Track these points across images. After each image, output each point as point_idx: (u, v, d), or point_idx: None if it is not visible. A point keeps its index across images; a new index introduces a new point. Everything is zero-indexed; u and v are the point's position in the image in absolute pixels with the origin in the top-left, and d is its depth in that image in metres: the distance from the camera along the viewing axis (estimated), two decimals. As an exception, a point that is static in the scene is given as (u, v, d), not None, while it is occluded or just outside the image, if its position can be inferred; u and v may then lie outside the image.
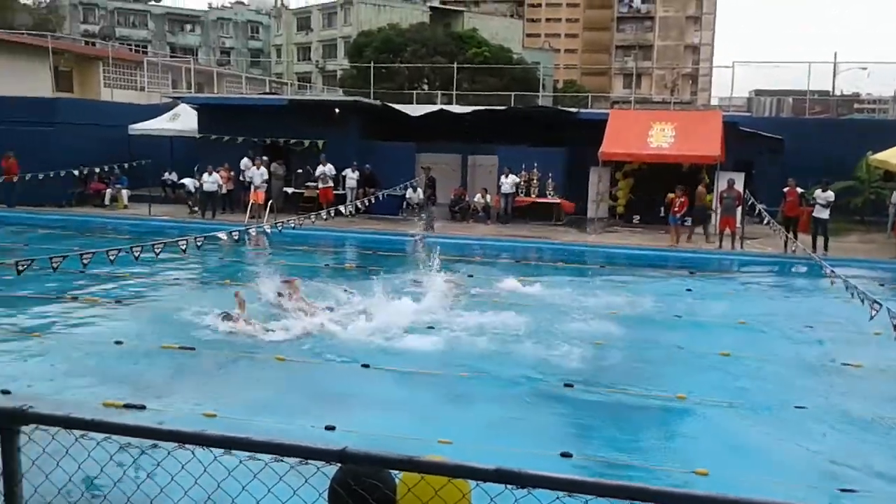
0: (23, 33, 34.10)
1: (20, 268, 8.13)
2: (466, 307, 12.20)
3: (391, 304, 12.56)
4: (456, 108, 25.41)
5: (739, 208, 18.98)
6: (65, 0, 64.09)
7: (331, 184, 22.21)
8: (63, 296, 12.05)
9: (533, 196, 22.73)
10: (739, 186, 19.53)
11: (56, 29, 50.49)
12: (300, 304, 11.43)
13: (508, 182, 22.21)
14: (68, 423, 2.81)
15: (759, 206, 17.28)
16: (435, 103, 31.92)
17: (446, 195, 22.94)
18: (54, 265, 8.31)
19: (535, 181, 22.70)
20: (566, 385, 8.56)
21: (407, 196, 21.28)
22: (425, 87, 47.05)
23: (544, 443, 6.92)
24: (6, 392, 7.14)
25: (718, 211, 19.45)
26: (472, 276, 15.30)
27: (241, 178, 22.41)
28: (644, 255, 18.26)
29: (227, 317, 10.44)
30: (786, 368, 9.65)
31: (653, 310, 12.72)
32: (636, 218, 22.47)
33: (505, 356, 9.82)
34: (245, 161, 22.06)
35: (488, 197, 22.75)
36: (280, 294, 11.82)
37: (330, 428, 6.89)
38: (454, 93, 34.78)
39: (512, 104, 31.72)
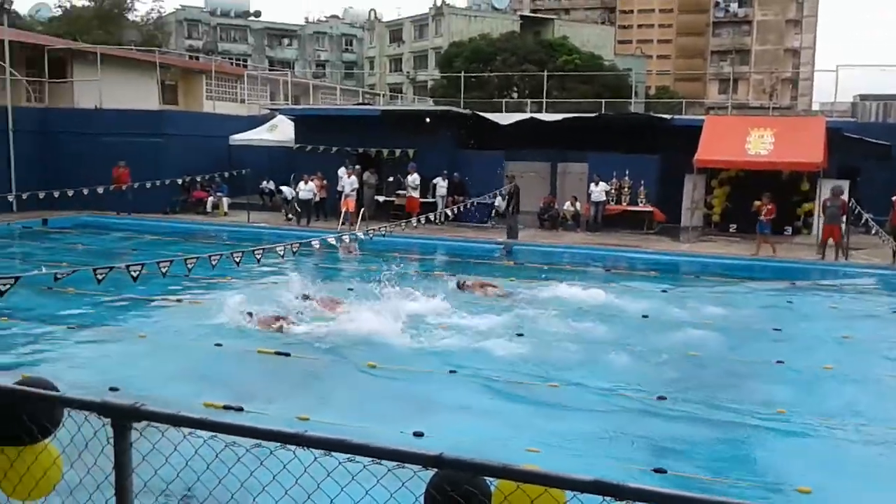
0: (132, 49, 35.93)
1: (133, 274, 8.58)
2: (556, 315, 12.09)
3: (478, 310, 12.62)
4: (546, 116, 25.28)
5: (844, 217, 18.14)
6: (171, 17, 67.26)
7: (415, 193, 22.44)
8: (168, 298, 12.60)
9: (624, 204, 22.37)
10: (846, 195, 18.67)
11: (163, 44, 53.03)
12: (328, 307, 11.76)
13: (599, 190, 21.93)
14: (177, 420, 2.95)
15: (866, 216, 16.46)
16: (525, 111, 31.85)
17: (535, 203, 22.83)
18: (163, 270, 8.74)
19: (626, 189, 22.34)
20: (659, 398, 8.37)
21: (495, 204, 21.32)
22: (515, 95, 47.04)
23: (636, 457, 6.79)
24: (114, 389, 7.51)
25: (821, 220, 18.65)
26: (561, 283, 15.18)
27: (339, 186, 22.82)
28: (742, 265, 17.67)
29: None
30: (892, 386, 9.16)
31: (751, 322, 12.29)
32: (733, 227, 21.77)
33: (594, 366, 9.69)
34: (342, 170, 22.52)
35: (578, 205, 22.53)
36: (306, 297, 12.10)
37: (418, 434, 6.95)
38: (544, 101, 34.62)
39: (603, 111, 31.29)
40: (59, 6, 57.80)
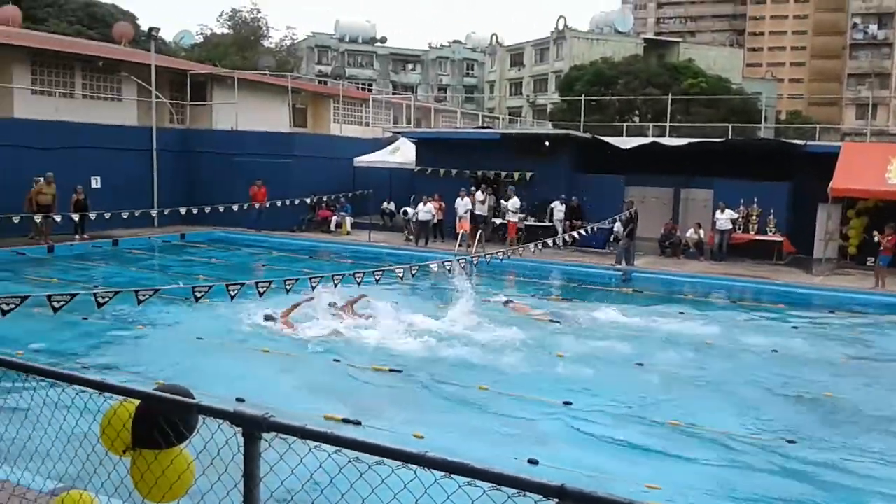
0: (266, 74, 37.78)
1: (261, 290, 8.95)
2: (677, 346, 11.71)
3: (597, 336, 12.40)
4: (669, 141, 24.67)
5: None
6: (303, 43, 70.36)
7: (514, 217, 22.33)
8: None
9: (751, 233, 21.44)
10: None
11: (294, 70, 55.52)
12: (355, 320, 12.29)
13: (724, 217, 21.13)
14: (304, 433, 3.03)
15: None
16: (646, 135, 31.21)
17: (656, 229, 22.26)
18: (287, 287, 9.08)
19: (754, 217, 21.41)
20: (788, 441, 7.92)
21: (614, 230, 20.93)
22: (636, 119, 46.21)
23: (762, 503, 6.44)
24: (240, 400, 7.83)
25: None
26: (682, 313, 14.70)
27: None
28: (881, 302, 16.54)
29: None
30: None
31: (893, 363, 11.46)
32: (870, 260, 20.44)
33: (718, 402, 9.29)
34: (478, 193, 22.58)
35: (701, 232, 21.78)
36: (334, 309, 12.45)
37: (533, 461, 6.85)
38: (667, 125, 33.80)
39: (729, 136, 30.26)
40: (201, 33, 61.80)
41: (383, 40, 77.03)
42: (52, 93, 25.05)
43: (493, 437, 7.92)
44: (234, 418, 3.15)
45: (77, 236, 20.68)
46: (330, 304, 12.52)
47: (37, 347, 10.12)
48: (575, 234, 19.44)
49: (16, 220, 18.57)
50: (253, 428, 3.12)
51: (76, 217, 20.44)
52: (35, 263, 17.67)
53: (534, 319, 13.58)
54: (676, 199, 23.12)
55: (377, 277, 9.75)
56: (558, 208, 22.70)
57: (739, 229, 21.45)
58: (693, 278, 18.88)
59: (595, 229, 19.36)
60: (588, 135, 25.34)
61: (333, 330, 11.62)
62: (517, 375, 10.20)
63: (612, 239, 21.62)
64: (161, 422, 3.43)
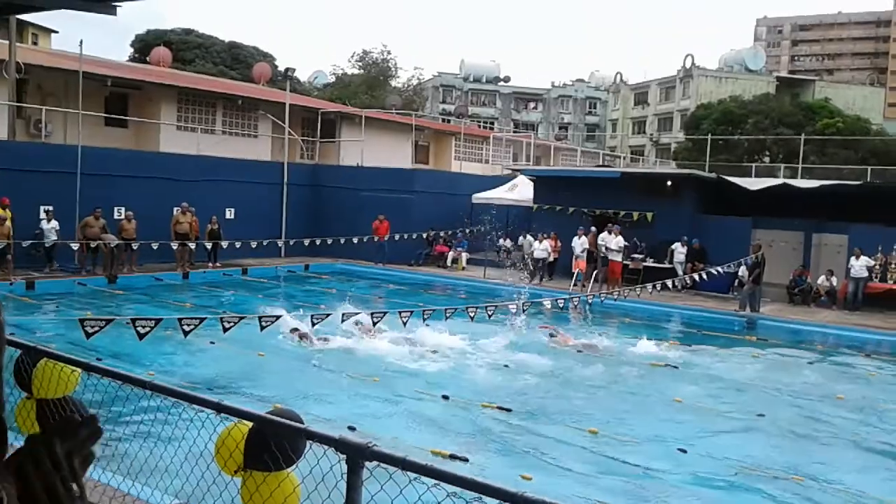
0: (392, 112, 39.04)
1: (375, 320, 9.21)
2: (801, 401, 11.08)
3: (712, 384, 11.93)
4: (801, 183, 23.57)
5: None
6: (429, 83, 72.26)
7: (617, 257, 21.74)
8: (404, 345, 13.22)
9: (890, 282, 20.07)
10: None
11: (419, 108, 57.06)
12: (318, 345, 12.75)
13: (860, 264, 19.89)
14: (405, 464, 3.09)
15: None
16: (777, 177, 29.95)
17: (785, 275, 21.22)
18: (403, 319, 9.28)
19: (892, 265, 20.06)
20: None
21: (739, 273, 20.12)
22: (766, 159, 44.44)
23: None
24: (352, 428, 8.02)
25: None
26: (810, 363, 13.91)
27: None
28: None
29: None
30: None
31: None
32: None
33: (848, 463, 8.69)
34: (604, 234, 22.10)
35: (834, 280, 20.59)
36: (301, 336, 13.02)
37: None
38: (799, 166, 32.39)
39: (868, 179, 28.59)
40: (334, 73, 64.59)
41: (507, 79, 77.95)
42: (194, 128, 26.85)
43: (600, 484, 7.74)
44: (339, 445, 3.26)
45: (210, 264, 21.89)
46: (357, 324, 13.05)
47: (167, 369, 10.76)
48: (696, 276, 18.88)
49: (154, 246, 19.86)
50: (356, 455, 3.22)
51: (209, 245, 21.72)
52: (171, 289, 18.82)
53: (651, 365, 13.20)
54: (807, 244, 21.99)
55: (489, 313, 9.80)
56: (679, 250, 22.07)
57: (876, 278, 20.14)
58: (824, 328, 17.84)
59: (718, 273, 18.71)
60: (713, 175, 24.61)
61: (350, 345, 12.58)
62: (630, 419, 9.95)
63: (736, 283, 20.80)
64: (271, 444, 3.60)
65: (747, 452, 8.71)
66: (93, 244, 18.97)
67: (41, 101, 23.10)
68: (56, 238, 18.56)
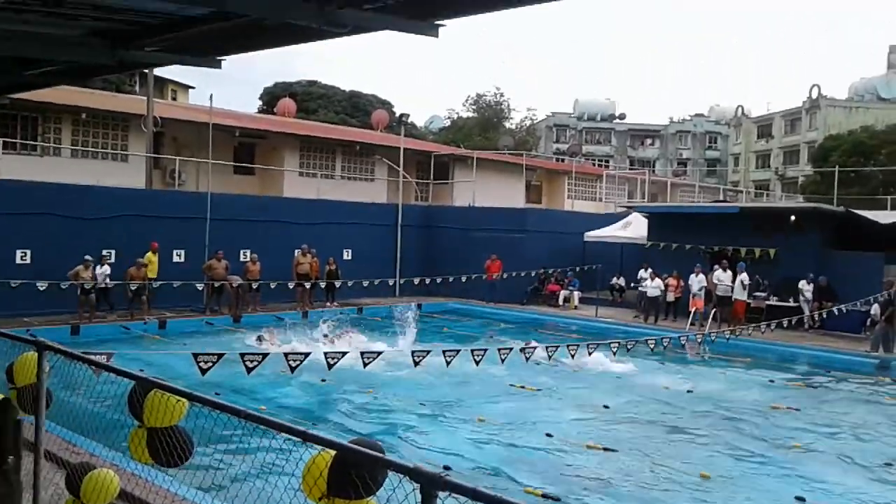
0: (504, 153, 39.43)
1: (476, 358, 9.31)
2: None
3: (835, 429, 11.24)
4: (940, 216, 22.00)
5: None
6: (542, 123, 72.56)
7: (742, 295, 20.72)
8: (513, 384, 13.18)
9: None
10: None
11: (532, 148, 57.29)
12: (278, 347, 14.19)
13: None
14: (476, 495, 3.15)
15: None
16: (914, 210, 28.08)
17: (924, 314, 19.70)
18: (501, 357, 9.32)
19: None
20: None
21: (871, 312, 18.89)
22: (903, 192, 41.72)
23: None
24: (447, 468, 8.05)
25: None
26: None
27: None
28: None
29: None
30: None
31: None
32: None
33: None
34: (719, 271, 21.33)
35: (982, 320, 18.94)
36: (259, 339, 16.04)
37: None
38: (939, 198, 30.24)
39: None
40: (449, 117, 66.03)
41: (622, 117, 77.13)
42: (315, 174, 28.14)
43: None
44: (413, 474, 3.34)
45: (328, 303, 22.68)
46: (325, 335, 15.91)
47: (282, 402, 11.22)
48: (824, 315, 17.89)
49: (272, 286, 20.79)
50: (429, 485, 3.30)
51: (324, 285, 22.56)
52: (289, 328, 19.57)
53: (772, 407, 12.59)
54: (950, 281, 20.37)
55: (590, 351, 9.67)
56: (805, 288, 20.98)
57: None
58: (970, 372, 16.44)
59: (845, 311, 17.66)
60: (840, 208, 23.35)
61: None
62: (743, 464, 9.52)
63: (868, 323, 19.53)
64: (352, 473, 3.73)
65: (864, 502, 8.14)
66: (217, 285, 20.08)
67: (176, 151, 24.88)
68: (106, 283, 18.25)
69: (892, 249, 20.55)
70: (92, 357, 5.72)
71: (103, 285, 18.11)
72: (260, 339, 16.48)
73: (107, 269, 18.33)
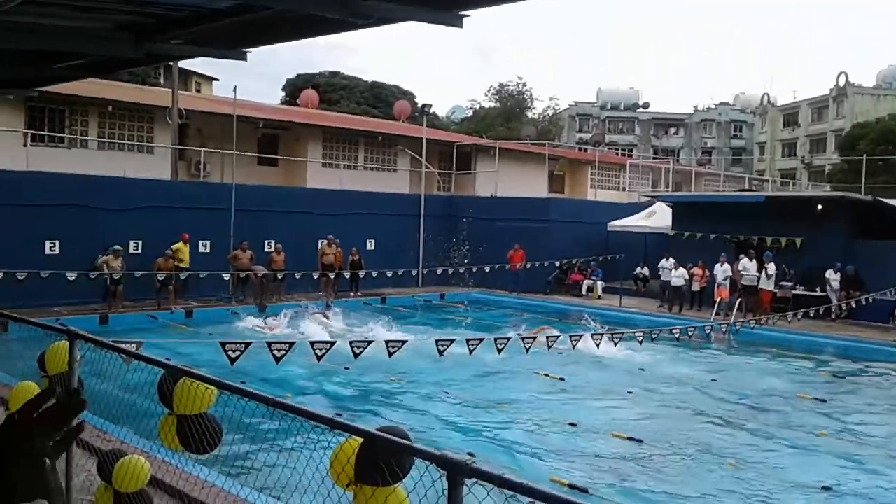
0: (527, 143, 39.28)
1: (499, 346, 9.33)
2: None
3: (861, 418, 11.13)
4: (970, 203, 21.61)
5: None
6: (564, 112, 72.13)
7: (768, 285, 20.51)
8: (537, 373, 13.18)
9: None
10: None
11: (555, 138, 56.99)
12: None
13: None
14: (502, 482, 3.18)
15: None
16: (945, 198, 27.57)
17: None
18: (526, 346, 9.33)
19: None
20: None
21: (901, 302, 18.66)
22: (934, 179, 41.03)
23: None
24: (471, 454, 8.07)
25: None
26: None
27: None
28: None
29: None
30: None
31: None
32: None
33: None
34: (745, 261, 21.19)
35: None
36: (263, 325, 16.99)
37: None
38: (972, 185, 29.70)
39: None
40: (471, 107, 65.86)
41: (646, 105, 76.45)
42: (338, 165, 28.23)
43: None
44: (439, 461, 3.38)
45: (352, 293, 22.79)
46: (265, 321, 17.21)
47: (305, 389, 11.32)
48: (852, 304, 17.69)
49: (297, 276, 20.91)
50: (455, 472, 3.33)
51: (347, 275, 22.67)
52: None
53: (798, 397, 12.50)
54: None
55: (616, 340, 9.66)
56: (832, 277, 20.74)
57: None
58: None
59: (875, 300, 17.46)
60: (868, 197, 23.03)
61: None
62: (769, 453, 9.47)
63: (895, 312, 19.29)
64: (379, 460, 3.77)
65: (891, 491, 8.07)
66: (242, 275, 20.25)
67: (201, 143, 25.08)
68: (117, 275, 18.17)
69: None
70: (122, 346, 5.82)
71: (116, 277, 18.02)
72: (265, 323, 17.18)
73: (121, 262, 18.23)
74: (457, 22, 4.94)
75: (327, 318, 18.09)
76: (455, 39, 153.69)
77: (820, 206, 22.00)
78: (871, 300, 17.29)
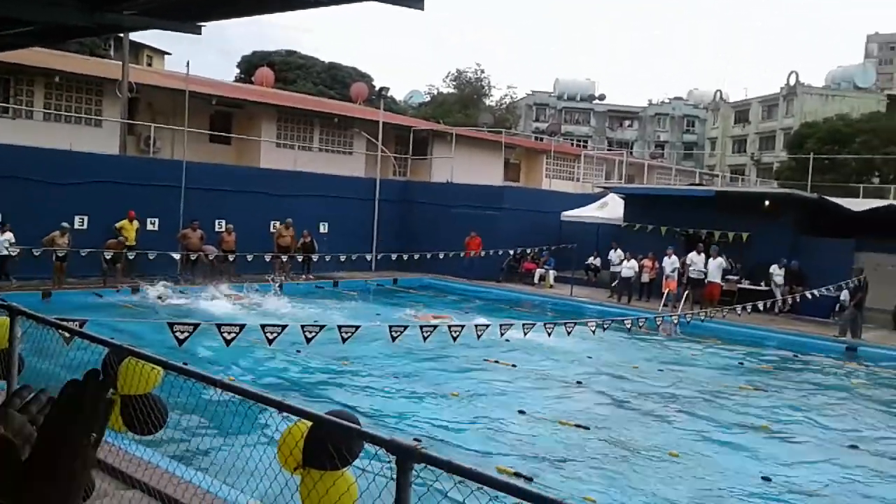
0: (483, 130, 39.32)
1: (454, 334, 9.34)
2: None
3: (802, 411, 11.45)
4: (911, 204, 22.33)
5: None
6: (522, 101, 72.39)
7: (718, 279, 21.01)
8: (487, 359, 13.25)
9: None
10: None
11: (512, 126, 57.19)
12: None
13: (976, 292, 18.67)
14: (450, 467, 3.19)
15: None
16: (886, 198, 28.52)
17: (891, 300, 20.10)
18: (478, 333, 9.36)
19: None
20: None
21: (840, 298, 19.22)
22: (876, 180, 42.34)
23: None
24: (417, 440, 8.09)
25: None
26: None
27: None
28: None
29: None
30: None
31: None
32: None
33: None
34: (692, 254, 21.57)
35: (947, 307, 19.38)
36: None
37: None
38: (912, 187, 30.71)
39: None
40: (429, 93, 65.68)
41: (602, 97, 77.16)
42: (292, 145, 27.85)
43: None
44: (389, 446, 3.37)
45: (303, 276, 22.58)
46: (158, 297, 17.37)
47: (254, 371, 11.19)
48: (796, 299, 18.13)
49: (249, 258, 20.59)
50: (405, 457, 3.32)
51: (300, 258, 22.44)
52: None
53: (740, 388, 12.80)
54: (918, 269, 20.76)
55: (569, 330, 9.76)
56: (776, 272, 21.28)
57: None
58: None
59: (817, 296, 17.96)
60: (814, 195, 23.65)
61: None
62: (711, 443, 9.68)
63: (837, 308, 19.88)
64: (328, 444, 3.74)
65: (834, 481, 8.33)
66: (192, 255, 19.89)
67: (151, 118, 24.50)
68: (6, 251, 17.16)
69: (863, 237, 20.86)
70: (65, 323, 5.66)
71: (5, 253, 16.99)
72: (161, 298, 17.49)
73: (10, 235, 17.15)
74: (417, 4, 4.87)
75: (241, 298, 18.34)
76: (413, 22, 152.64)
77: (767, 203, 22.51)
78: (814, 295, 17.75)
